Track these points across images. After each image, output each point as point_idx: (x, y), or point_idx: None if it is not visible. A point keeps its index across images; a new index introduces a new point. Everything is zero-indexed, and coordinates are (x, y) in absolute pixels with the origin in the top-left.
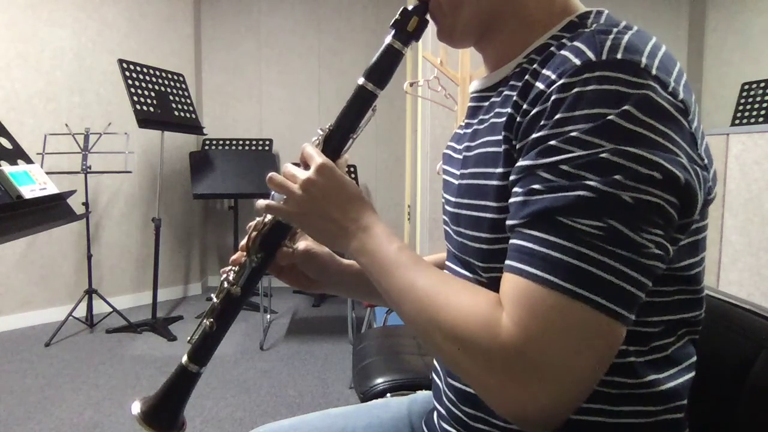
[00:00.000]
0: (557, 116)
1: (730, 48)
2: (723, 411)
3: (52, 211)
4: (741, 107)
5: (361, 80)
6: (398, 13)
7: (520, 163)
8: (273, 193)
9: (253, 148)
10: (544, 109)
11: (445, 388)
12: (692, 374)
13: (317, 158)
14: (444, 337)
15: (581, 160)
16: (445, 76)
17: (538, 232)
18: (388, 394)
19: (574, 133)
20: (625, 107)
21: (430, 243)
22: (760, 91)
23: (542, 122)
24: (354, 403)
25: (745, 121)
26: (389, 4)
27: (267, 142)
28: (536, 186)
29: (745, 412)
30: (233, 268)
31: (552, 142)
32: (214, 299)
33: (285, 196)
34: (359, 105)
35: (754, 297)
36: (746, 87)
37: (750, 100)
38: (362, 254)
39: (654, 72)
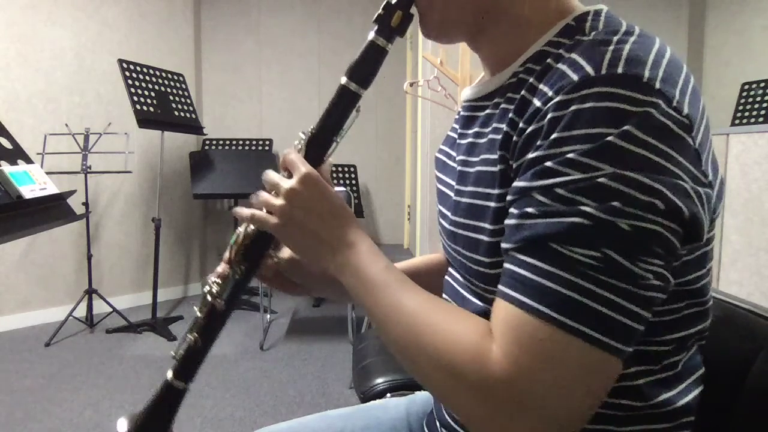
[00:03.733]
0: (554, 136)
1: (730, 48)
2: (722, 411)
3: (52, 211)
4: (741, 107)
5: (343, 80)
6: (381, 7)
7: (516, 183)
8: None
9: (253, 148)
10: (540, 128)
11: None
12: (701, 388)
13: (300, 167)
14: (430, 365)
15: (578, 185)
16: (445, 76)
17: (531, 259)
18: (388, 394)
19: (571, 155)
20: (626, 127)
21: (430, 243)
22: (760, 91)
23: (538, 142)
24: (354, 403)
25: (745, 121)
26: None
27: (267, 142)
28: (530, 209)
29: (744, 412)
30: (216, 280)
31: (548, 164)
32: (198, 313)
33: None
34: (342, 106)
35: (754, 297)
36: (746, 87)
37: (750, 100)
38: (346, 272)
39: (657, 86)
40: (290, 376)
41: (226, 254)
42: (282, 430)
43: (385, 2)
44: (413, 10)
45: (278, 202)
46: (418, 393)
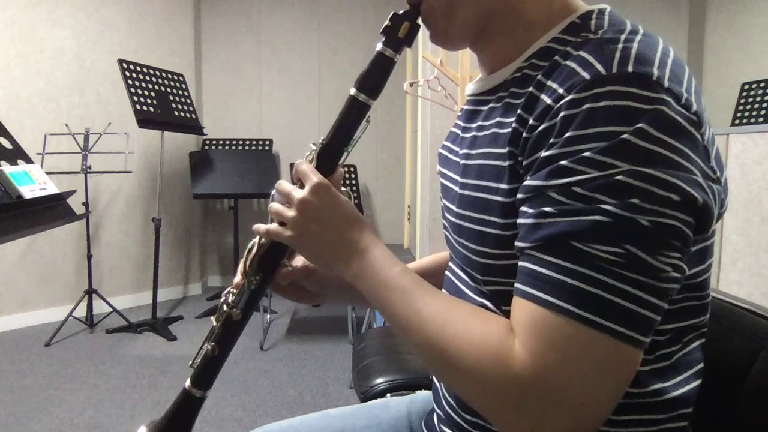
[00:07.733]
0: (568, 134)
1: (730, 48)
2: (723, 411)
3: (52, 211)
4: (741, 107)
5: (353, 91)
6: (388, 18)
7: (529, 182)
8: (273, 192)
9: (253, 148)
10: (552, 126)
11: (445, 393)
12: (699, 381)
13: (312, 177)
14: (455, 371)
15: (596, 182)
16: (445, 76)
17: (553, 258)
18: (388, 394)
19: (586, 153)
20: (639, 125)
21: (430, 243)
22: (760, 91)
23: (551, 140)
24: (354, 403)
25: (745, 121)
26: (389, 3)
27: (267, 142)
28: (548, 209)
29: (745, 412)
30: (232, 290)
31: (563, 162)
32: (214, 322)
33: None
34: (353, 116)
35: (754, 297)
36: (746, 87)
37: (750, 100)
38: (361, 279)
39: (666, 84)
40: (290, 376)
41: (241, 265)
42: (283, 428)
43: (392, 14)
44: (420, 20)
45: (291, 213)
46: (419, 393)
